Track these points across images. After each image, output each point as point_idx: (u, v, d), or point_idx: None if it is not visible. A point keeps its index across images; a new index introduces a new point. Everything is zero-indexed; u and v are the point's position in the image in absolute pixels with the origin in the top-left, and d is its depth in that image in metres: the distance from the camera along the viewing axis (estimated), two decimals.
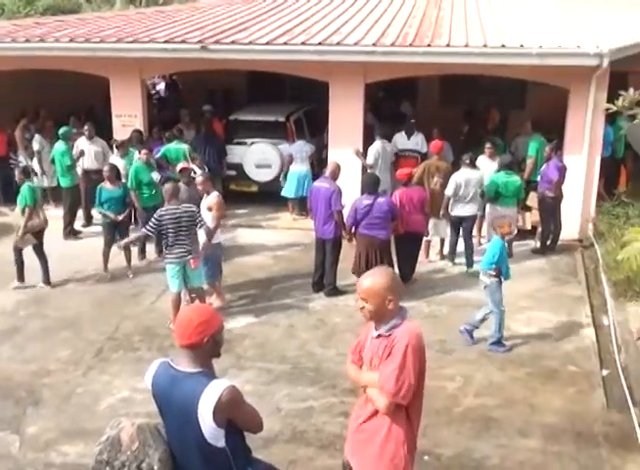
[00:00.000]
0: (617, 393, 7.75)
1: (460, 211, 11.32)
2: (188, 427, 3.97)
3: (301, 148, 13.53)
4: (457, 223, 11.46)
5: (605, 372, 8.20)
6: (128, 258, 11.07)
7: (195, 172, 11.18)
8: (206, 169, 12.06)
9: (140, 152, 12.00)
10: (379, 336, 4.43)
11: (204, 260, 9.53)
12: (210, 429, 3.94)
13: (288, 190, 13.50)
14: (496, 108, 15.80)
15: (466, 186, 11.19)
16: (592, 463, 6.57)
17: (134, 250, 11.47)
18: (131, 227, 12.09)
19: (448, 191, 11.18)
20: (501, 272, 8.73)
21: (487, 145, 12.35)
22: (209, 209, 9.60)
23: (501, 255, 8.70)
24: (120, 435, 4.15)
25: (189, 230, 9.08)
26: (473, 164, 11.54)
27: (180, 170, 10.93)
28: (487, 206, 11.60)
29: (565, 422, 7.23)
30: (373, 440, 4.47)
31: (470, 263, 11.28)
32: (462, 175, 11.27)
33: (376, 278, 4.40)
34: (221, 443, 4.01)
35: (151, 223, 9.04)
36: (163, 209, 9.10)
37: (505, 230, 8.92)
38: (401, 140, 13.60)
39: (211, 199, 9.68)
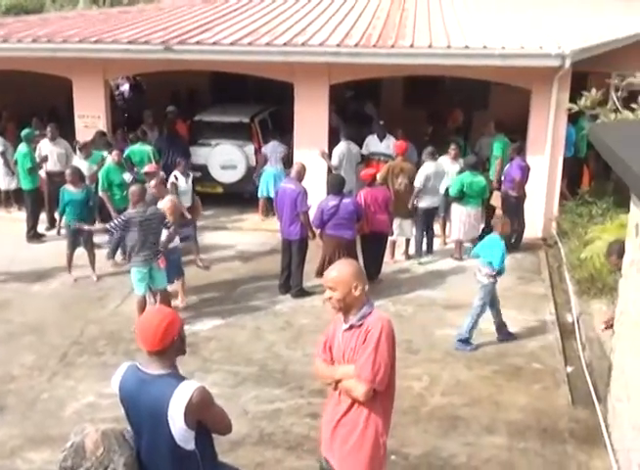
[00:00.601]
0: (581, 389, 7.85)
1: (429, 202, 11.69)
2: (158, 430, 3.96)
3: (275, 148, 13.50)
4: (425, 216, 11.69)
5: (569, 369, 8.30)
6: (93, 262, 10.96)
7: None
8: (163, 173, 11.96)
9: (110, 153, 11.90)
10: (350, 327, 4.48)
11: (174, 262, 9.57)
12: (181, 431, 3.94)
13: (262, 190, 13.45)
14: (459, 108, 15.92)
15: (435, 178, 11.59)
16: (558, 459, 6.64)
17: (100, 253, 11.34)
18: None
19: (418, 183, 11.51)
20: (500, 273, 8.81)
21: (452, 146, 12.45)
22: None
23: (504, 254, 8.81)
24: (85, 441, 4.11)
25: (156, 233, 9.05)
26: (435, 158, 11.89)
27: (146, 173, 10.84)
28: (452, 205, 11.70)
29: (530, 419, 7.30)
30: (352, 432, 4.52)
31: (430, 251, 11.88)
32: (430, 168, 11.60)
33: (340, 267, 4.58)
34: (191, 445, 4.01)
35: (115, 222, 9.02)
36: (131, 211, 9.04)
37: (505, 229, 8.96)
38: (373, 143, 13.48)
39: (165, 203, 9.61)
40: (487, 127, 13.80)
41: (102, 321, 9.56)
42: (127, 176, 11.72)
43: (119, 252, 11.48)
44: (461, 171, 11.75)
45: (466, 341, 8.80)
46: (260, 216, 13.70)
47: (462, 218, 11.61)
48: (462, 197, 11.45)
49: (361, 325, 4.44)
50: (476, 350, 8.77)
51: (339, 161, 12.69)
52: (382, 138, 13.40)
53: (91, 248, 10.97)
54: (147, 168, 11.09)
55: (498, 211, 11.86)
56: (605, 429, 6.93)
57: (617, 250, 7.48)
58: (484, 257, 8.84)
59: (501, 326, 9.00)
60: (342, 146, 12.81)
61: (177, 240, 9.85)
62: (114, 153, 11.78)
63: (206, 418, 4.04)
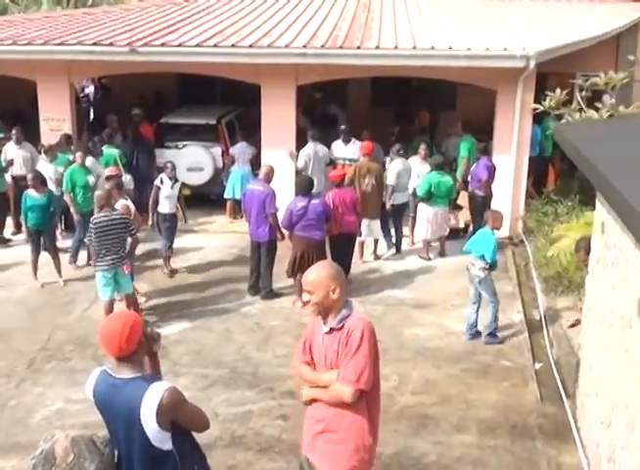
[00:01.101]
0: (549, 386, 7.93)
1: (400, 198, 11.97)
2: (133, 433, 3.96)
3: (243, 149, 13.47)
4: (395, 213, 11.91)
5: (537, 366, 8.39)
6: (58, 267, 10.83)
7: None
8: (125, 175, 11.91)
9: (75, 155, 11.77)
10: (330, 330, 4.47)
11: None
12: (155, 432, 3.93)
13: (229, 191, 13.41)
14: (426, 109, 16.01)
15: (404, 175, 11.94)
16: (528, 455, 6.70)
17: (65, 257, 11.22)
18: (61, 234, 11.91)
19: (391, 181, 11.77)
20: (492, 266, 8.89)
21: (422, 146, 12.52)
22: None
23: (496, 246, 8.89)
24: (55, 448, 4.08)
25: (121, 238, 9.00)
26: (403, 155, 12.18)
27: (107, 177, 10.65)
28: (419, 205, 11.77)
29: (500, 416, 7.36)
30: (336, 432, 4.50)
31: (398, 250, 12.08)
32: (400, 165, 11.87)
33: (318, 269, 4.53)
34: (168, 445, 4.01)
35: (90, 233, 8.94)
36: (97, 216, 8.99)
37: (497, 224, 8.99)
38: (337, 147, 13.24)
39: (119, 208, 9.45)
40: (454, 128, 13.91)
41: (69, 326, 9.45)
42: (92, 179, 11.58)
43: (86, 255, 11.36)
44: (429, 171, 11.82)
45: (494, 334, 8.94)
46: (228, 218, 13.66)
47: (429, 218, 11.69)
48: (430, 197, 11.53)
49: (342, 327, 4.43)
50: (502, 343, 8.91)
51: (304, 162, 12.66)
52: (347, 142, 13.13)
53: (55, 253, 10.85)
54: (108, 172, 10.88)
55: (441, 213, 11.90)
56: (574, 424, 7.01)
57: (585, 246, 7.60)
58: (477, 251, 8.87)
59: (474, 325, 9.05)
60: (309, 147, 12.79)
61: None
62: (78, 154, 11.66)
63: (180, 418, 4.03)
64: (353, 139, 13.08)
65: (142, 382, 3.97)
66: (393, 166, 11.88)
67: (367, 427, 4.50)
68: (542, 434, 7.05)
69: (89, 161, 11.78)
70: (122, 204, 9.70)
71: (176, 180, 11.19)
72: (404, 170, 11.91)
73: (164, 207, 10.96)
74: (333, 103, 17.11)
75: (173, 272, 11.18)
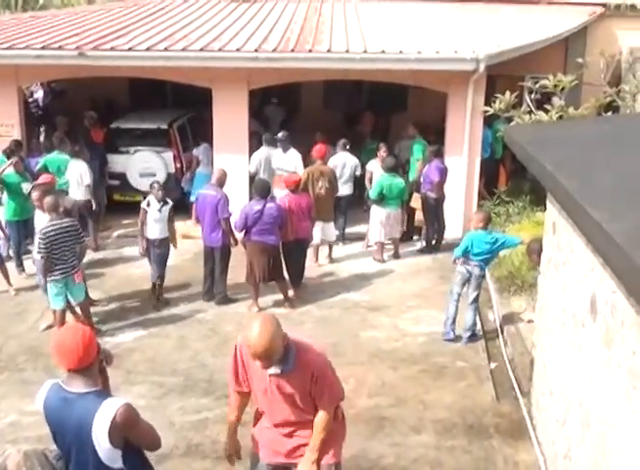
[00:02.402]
0: (505, 385, 8.01)
1: (342, 190, 12.31)
2: (84, 449, 3.89)
3: (207, 151, 13.37)
4: (341, 203, 12.45)
5: (493, 365, 8.47)
6: (6, 275, 10.60)
7: None
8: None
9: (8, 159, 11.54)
10: (282, 372, 4.50)
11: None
12: (106, 450, 3.86)
13: (195, 193, 13.12)
14: (377, 111, 16.09)
15: (343, 167, 12.35)
16: (484, 454, 6.75)
17: (10, 265, 11.00)
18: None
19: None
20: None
21: (383, 148, 12.60)
22: None
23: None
24: (7, 463, 4.00)
25: (73, 245, 8.84)
26: (347, 149, 12.61)
27: (38, 184, 10.32)
28: (373, 207, 11.82)
29: (456, 416, 7.40)
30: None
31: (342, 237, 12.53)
32: (339, 158, 12.43)
33: (264, 332, 4.26)
34: (118, 464, 3.94)
35: (41, 246, 8.63)
36: (46, 225, 8.76)
37: (481, 225, 8.99)
38: (277, 157, 12.81)
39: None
40: (406, 130, 13.98)
41: (21, 336, 9.26)
42: (26, 186, 11.28)
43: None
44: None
45: (475, 334, 9.08)
46: (193, 221, 13.26)
47: (382, 220, 11.75)
48: (382, 199, 11.59)
49: (295, 368, 4.49)
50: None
51: (255, 168, 12.60)
52: (285, 150, 12.71)
53: (1, 262, 10.61)
54: (41, 179, 10.54)
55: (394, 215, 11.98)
56: (529, 422, 7.08)
57: (537, 249, 7.68)
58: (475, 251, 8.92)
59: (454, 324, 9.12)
60: (262, 152, 12.73)
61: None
62: (15, 160, 11.44)
63: (133, 436, 3.97)
64: (291, 148, 12.73)
65: (95, 397, 3.90)
66: (332, 159, 12.28)
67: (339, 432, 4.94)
68: (499, 433, 7.11)
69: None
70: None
71: (165, 202, 10.12)
72: (344, 163, 12.41)
73: (154, 232, 10.02)
74: (270, 104, 17.01)
75: (164, 303, 10.28)
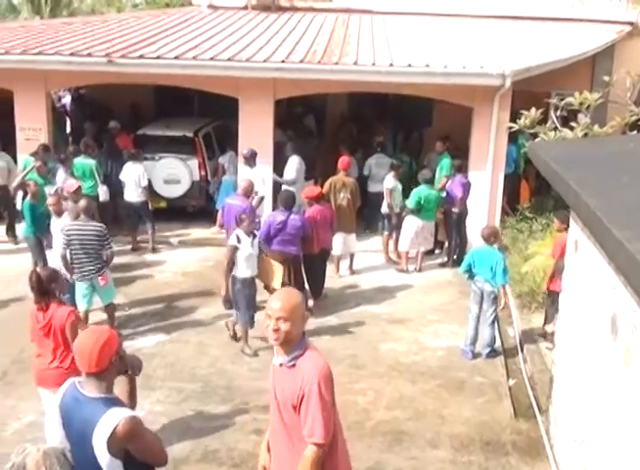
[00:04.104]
0: (523, 402, 7.96)
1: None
2: (86, 454, 3.87)
3: (232, 159, 13.46)
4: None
5: (511, 382, 8.42)
6: None
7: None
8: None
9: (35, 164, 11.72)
10: (280, 365, 4.29)
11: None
12: (106, 459, 3.84)
13: (221, 200, 13.19)
14: (397, 125, 16.20)
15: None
16: None
17: None
18: None
19: (366, 171, 13.43)
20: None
21: (397, 163, 12.69)
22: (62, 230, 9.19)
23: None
24: (26, 461, 4.01)
25: (98, 249, 8.92)
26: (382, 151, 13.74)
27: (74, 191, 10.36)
28: (408, 217, 11.88)
29: (474, 432, 7.38)
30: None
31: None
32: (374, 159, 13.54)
33: (292, 295, 4.28)
34: None
35: (63, 243, 8.83)
36: (70, 224, 8.94)
37: (491, 241, 9.01)
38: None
39: (65, 220, 9.34)
40: (435, 145, 13.98)
41: None
42: (49, 189, 11.42)
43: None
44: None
45: (494, 349, 9.03)
46: (217, 228, 13.31)
47: (416, 230, 11.78)
48: (419, 209, 11.68)
49: (293, 366, 4.21)
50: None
51: (297, 175, 12.59)
52: (252, 166, 12.31)
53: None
54: (68, 186, 10.53)
55: (428, 226, 12.10)
56: (547, 441, 7.04)
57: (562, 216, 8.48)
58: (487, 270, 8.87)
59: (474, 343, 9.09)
60: (297, 160, 12.73)
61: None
62: (38, 164, 11.58)
63: (134, 449, 3.89)
64: (257, 164, 12.35)
65: (103, 404, 3.89)
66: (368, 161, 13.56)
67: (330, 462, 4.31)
68: (516, 450, 7.07)
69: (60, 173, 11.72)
70: (66, 215, 9.40)
71: (254, 235, 9.16)
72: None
73: (243, 270, 8.89)
74: (310, 114, 17.12)
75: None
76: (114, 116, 15.39)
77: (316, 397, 4.08)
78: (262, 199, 11.93)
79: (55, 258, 9.27)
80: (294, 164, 12.71)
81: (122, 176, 12.67)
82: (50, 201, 9.71)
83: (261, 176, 12.23)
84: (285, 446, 4.35)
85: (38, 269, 6.66)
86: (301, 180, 12.75)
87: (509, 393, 8.18)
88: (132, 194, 12.57)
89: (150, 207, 12.69)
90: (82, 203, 9.13)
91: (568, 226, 8.62)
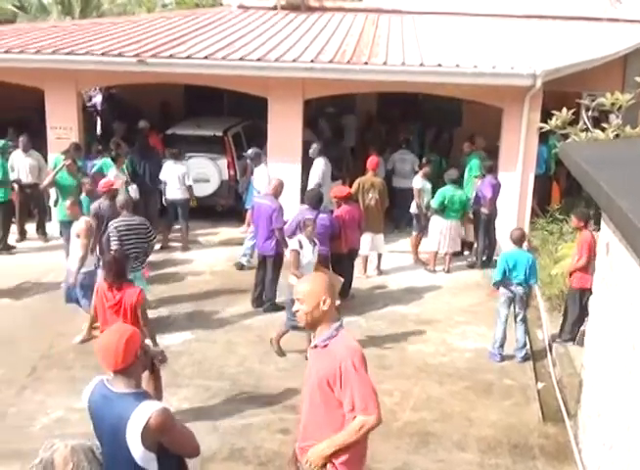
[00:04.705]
0: (552, 405, 7.91)
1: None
2: (119, 449, 3.91)
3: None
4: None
5: (540, 385, 8.36)
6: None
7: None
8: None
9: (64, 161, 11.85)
10: (315, 347, 4.44)
11: (79, 287, 9.32)
12: (140, 452, 3.88)
13: (250, 200, 13.22)
14: (432, 125, 16.14)
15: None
16: None
17: None
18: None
19: (390, 166, 13.68)
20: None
21: (425, 163, 12.65)
22: (78, 235, 9.30)
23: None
24: (54, 457, 4.05)
25: (142, 243, 9.18)
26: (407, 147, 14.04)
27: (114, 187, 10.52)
28: (433, 218, 11.85)
29: (501, 435, 7.33)
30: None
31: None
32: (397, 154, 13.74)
33: (311, 279, 4.61)
34: (153, 466, 3.94)
35: (114, 240, 9.01)
36: (119, 220, 9.17)
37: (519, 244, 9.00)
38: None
39: (80, 225, 9.38)
40: (466, 145, 13.94)
41: (72, 335, 9.43)
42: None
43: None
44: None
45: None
46: (245, 227, 13.22)
47: (442, 231, 11.74)
48: (443, 209, 11.63)
49: (325, 347, 4.36)
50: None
51: (323, 177, 12.57)
52: (257, 165, 12.29)
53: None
54: (102, 184, 10.50)
55: (454, 226, 12.03)
56: (575, 445, 6.98)
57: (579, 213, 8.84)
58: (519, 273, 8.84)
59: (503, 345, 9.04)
60: (322, 163, 12.68)
61: (92, 264, 9.36)
62: (68, 162, 11.71)
63: (167, 440, 3.94)
64: (264, 164, 12.33)
65: (134, 398, 3.93)
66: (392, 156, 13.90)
67: (346, 456, 4.39)
68: (543, 454, 7.02)
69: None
70: (84, 220, 9.45)
71: (315, 243, 9.08)
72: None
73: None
74: (350, 114, 17.10)
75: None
76: (143, 115, 15.48)
77: (353, 372, 4.23)
78: None
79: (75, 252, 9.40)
80: (319, 167, 12.61)
81: (163, 175, 12.82)
82: (67, 203, 9.84)
83: (262, 179, 12.05)
84: (321, 424, 4.42)
85: (114, 254, 7.38)
86: (328, 182, 12.68)
87: (537, 396, 8.12)
88: (175, 192, 12.73)
89: (192, 204, 12.85)
90: (121, 198, 9.32)
91: (586, 223, 8.67)
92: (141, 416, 3.83)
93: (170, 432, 3.93)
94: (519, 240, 8.97)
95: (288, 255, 9.28)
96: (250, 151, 12.46)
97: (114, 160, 12.36)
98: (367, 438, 4.51)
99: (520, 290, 8.80)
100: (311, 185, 12.23)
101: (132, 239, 9.08)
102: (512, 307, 8.93)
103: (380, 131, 16.34)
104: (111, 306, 7.11)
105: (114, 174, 11.99)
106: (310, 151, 12.69)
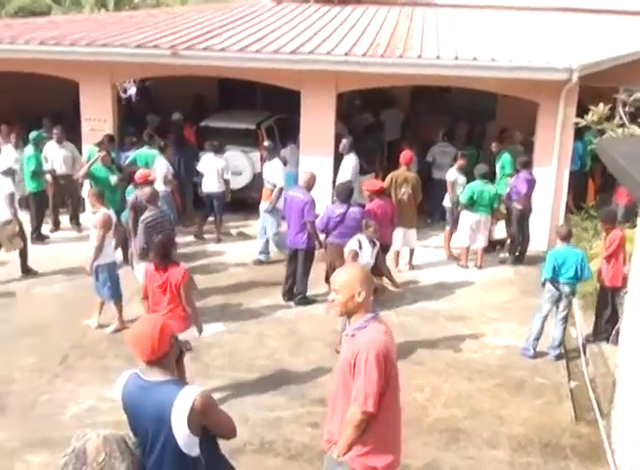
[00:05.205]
0: (584, 405, 7.82)
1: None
2: (162, 437, 3.95)
3: (294, 151, 13.49)
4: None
5: (573, 384, 8.26)
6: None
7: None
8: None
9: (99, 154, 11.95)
10: (347, 334, 4.58)
11: (102, 281, 9.38)
12: (185, 437, 3.93)
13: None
14: (465, 119, 15.99)
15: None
16: None
17: None
18: None
19: (430, 158, 13.82)
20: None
21: (460, 157, 12.53)
22: (95, 227, 9.33)
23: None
24: (86, 446, 4.08)
25: (169, 233, 9.18)
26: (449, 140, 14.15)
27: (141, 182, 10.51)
28: (463, 213, 11.77)
29: (532, 433, 7.26)
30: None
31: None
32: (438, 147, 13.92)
33: (348, 270, 4.69)
34: (195, 451, 4.01)
35: (142, 235, 9.08)
36: (148, 215, 9.19)
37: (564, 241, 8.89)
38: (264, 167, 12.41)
39: (97, 217, 9.39)
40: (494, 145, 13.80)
41: (104, 324, 9.51)
42: (114, 179, 11.69)
43: None
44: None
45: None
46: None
47: (472, 226, 11.64)
48: (472, 204, 11.54)
49: (353, 336, 4.46)
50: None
51: (353, 174, 12.49)
52: (270, 160, 12.18)
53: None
54: (139, 175, 10.62)
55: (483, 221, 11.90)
56: (608, 446, 6.89)
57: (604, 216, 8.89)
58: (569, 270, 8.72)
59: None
60: (353, 159, 12.55)
61: (113, 255, 9.54)
62: (103, 154, 11.79)
63: (210, 423, 4.02)
64: (277, 158, 12.21)
65: (173, 386, 3.98)
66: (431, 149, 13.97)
67: (363, 447, 4.47)
68: (575, 454, 6.94)
69: None
70: (102, 213, 9.42)
71: (375, 243, 9.02)
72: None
73: None
74: (390, 108, 17.01)
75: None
76: (176, 107, 15.51)
77: (363, 366, 4.31)
78: (281, 190, 11.79)
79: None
80: (350, 164, 12.47)
81: (201, 167, 12.87)
82: (89, 193, 9.92)
83: (274, 173, 12.03)
84: (340, 410, 4.54)
85: (161, 237, 7.84)
86: (357, 178, 12.58)
87: (570, 395, 8.03)
88: (212, 185, 12.74)
89: (228, 198, 12.87)
90: (147, 191, 9.35)
91: (611, 225, 8.48)
92: (186, 400, 3.88)
93: (213, 413, 4.03)
94: (567, 236, 8.85)
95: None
96: (265, 143, 12.45)
97: (161, 150, 12.51)
98: (391, 431, 4.57)
99: (566, 289, 8.68)
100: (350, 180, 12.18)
101: (158, 232, 9.04)
102: (555, 305, 8.81)
103: (417, 125, 16.18)
104: (159, 286, 7.49)
105: (165, 165, 12.25)
106: (340, 147, 12.55)
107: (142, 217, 9.26)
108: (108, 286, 9.37)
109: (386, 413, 4.47)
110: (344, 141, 12.44)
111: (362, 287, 4.43)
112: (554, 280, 8.66)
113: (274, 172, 11.94)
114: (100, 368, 8.37)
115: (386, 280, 9.44)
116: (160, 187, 11.98)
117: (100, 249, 9.19)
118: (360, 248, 8.77)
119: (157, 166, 12.24)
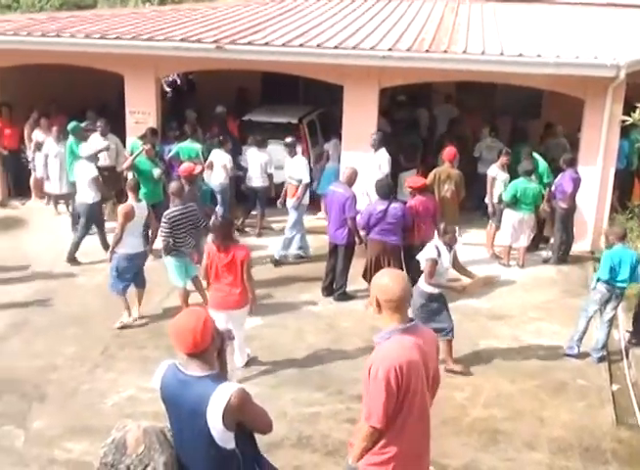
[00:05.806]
0: (626, 408, 7.70)
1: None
2: (198, 431, 3.96)
3: (337, 146, 13.47)
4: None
5: (615, 387, 8.14)
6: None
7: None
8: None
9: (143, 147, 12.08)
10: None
11: (110, 268, 9.47)
12: (220, 432, 3.94)
13: (322, 186, 13.09)
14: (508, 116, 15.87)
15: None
16: None
17: None
18: None
19: (477, 153, 14.04)
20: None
21: (504, 154, 12.34)
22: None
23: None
24: (126, 437, 4.11)
25: (194, 229, 9.29)
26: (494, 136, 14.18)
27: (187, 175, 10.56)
28: (505, 211, 11.63)
29: (572, 437, 7.17)
30: None
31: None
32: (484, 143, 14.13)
33: (398, 277, 4.39)
34: (231, 445, 4.02)
35: (164, 230, 9.10)
36: (171, 210, 9.20)
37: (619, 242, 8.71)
38: (286, 163, 12.29)
39: (121, 206, 9.49)
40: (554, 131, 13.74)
41: (145, 315, 9.60)
42: (157, 172, 11.80)
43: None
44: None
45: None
46: (323, 213, 12.71)
47: (515, 224, 11.51)
48: (515, 202, 11.41)
49: (378, 344, 4.39)
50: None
51: (388, 168, 12.38)
52: (292, 156, 12.21)
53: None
54: (183, 168, 10.69)
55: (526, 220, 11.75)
56: None
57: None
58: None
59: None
60: (386, 153, 12.48)
61: (140, 246, 9.54)
62: (148, 147, 11.89)
63: (246, 419, 4.04)
64: (299, 153, 12.36)
65: (211, 381, 3.98)
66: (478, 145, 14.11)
67: (377, 459, 4.36)
68: (616, 459, 6.84)
69: None
70: (127, 204, 9.50)
71: (451, 247, 8.48)
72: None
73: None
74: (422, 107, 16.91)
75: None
76: (220, 101, 15.57)
77: (370, 382, 4.23)
78: (307, 186, 11.88)
79: None
80: (385, 157, 12.25)
81: (244, 161, 12.94)
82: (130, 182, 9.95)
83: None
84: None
85: (221, 220, 8.32)
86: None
87: (612, 398, 7.90)
88: (256, 180, 12.82)
89: (272, 193, 12.88)
90: (173, 185, 9.40)
91: None
92: (222, 397, 3.89)
93: (249, 410, 4.03)
94: (623, 236, 8.69)
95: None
96: (287, 139, 12.40)
97: (220, 143, 12.68)
98: (408, 446, 4.36)
99: (617, 290, 8.54)
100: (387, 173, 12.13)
101: (185, 226, 9.16)
102: (602, 306, 8.67)
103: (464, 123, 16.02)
104: (224, 265, 7.87)
105: (227, 159, 12.47)
106: (370, 142, 12.35)
107: (165, 212, 9.28)
108: (112, 275, 9.44)
109: (401, 430, 4.30)
110: (374, 136, 12.25)
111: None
112: (608, 281, 8.50)
113: (299, 168, 11.92)
114: (140, 358, 8.47)
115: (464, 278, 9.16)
116: (218, 179, 12.41)
117: (119, 238, 9.27)
118: (439, 255, 8.23)
119: (215, 159, 12.51)
